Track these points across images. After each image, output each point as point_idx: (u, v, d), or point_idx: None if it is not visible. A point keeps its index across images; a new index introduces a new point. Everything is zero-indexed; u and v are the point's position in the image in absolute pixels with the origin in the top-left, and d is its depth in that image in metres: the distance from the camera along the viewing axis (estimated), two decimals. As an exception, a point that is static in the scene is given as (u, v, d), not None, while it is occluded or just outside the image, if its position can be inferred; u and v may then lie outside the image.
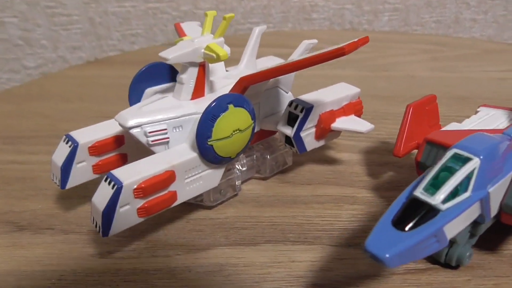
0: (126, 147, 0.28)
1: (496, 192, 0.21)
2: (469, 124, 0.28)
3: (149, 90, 0.29)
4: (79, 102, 0.45)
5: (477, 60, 0.58)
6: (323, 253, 0.26)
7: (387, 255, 0.18)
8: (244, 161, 0.31)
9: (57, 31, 0.68)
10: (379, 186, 0.31)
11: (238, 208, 0.30)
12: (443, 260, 0.24)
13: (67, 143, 0.26)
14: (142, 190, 0.23)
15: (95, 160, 0.27)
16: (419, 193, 0.20)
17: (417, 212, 0.19)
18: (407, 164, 0.33)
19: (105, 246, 0.26)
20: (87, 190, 0.27)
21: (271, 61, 0.36)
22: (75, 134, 0.27)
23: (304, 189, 0.31)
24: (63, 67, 0.67)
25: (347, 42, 0.23)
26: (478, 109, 0.31)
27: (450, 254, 0.23)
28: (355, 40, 0.23)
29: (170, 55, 0.25)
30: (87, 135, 0.27)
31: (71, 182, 0.27)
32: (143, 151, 0.28)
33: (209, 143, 0.25)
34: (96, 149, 0.27)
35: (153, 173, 0.24)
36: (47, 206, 0.30)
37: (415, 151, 0.28)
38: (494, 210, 0.22)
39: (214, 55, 0.25)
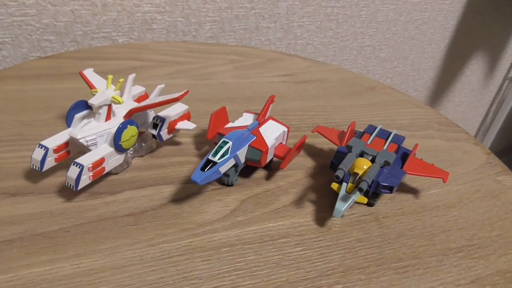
0: (69, 147, 0.57)
1: (241, 153, 0.58)
2: (237, 123, 0.65)
3: (77, 115, 0.58)
4: None
5: (262, 68, 0.97)
6: (172, 188, 0.60)
7: (199, 180, 0.53)
8: (131, 148, 0.62)
9: None
10: (202, 154, 0.67)
11: (131, 173, 0.61)
12: (226, 183, 0.60)
13: (41, 148, 0.54)
14: (92, 167, 0.53)
15: (56, 155, 0.55)
16: (210, 156, 0.55)
17: (209, 164, 0.55)
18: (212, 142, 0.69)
19: (66, 197, 0.56)
20: (41, 174, 0.55)
21: (138, 89, 0.67)
22: (44, 142, 0.54)
23: (164, 159, 0.65)
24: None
25: (180, 94, 0.56)
26: (243, 114, 0.68)
27: (228, 180, 0.60)
28: (183, 92, 0.57)
29: (95, 102, 0.55)
30: (52, 143, 0.55)
31: (45, 168, 0.55)
32: (78, 149, 0.57)
33: (120, 143, 0.56)
34: (57, 150, 0.55)
35: (95, 159, 0.54)
36: (23, 184, 0.57)
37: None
38: (242, 160, 0.59)
39: (118, 101, 0.56)
